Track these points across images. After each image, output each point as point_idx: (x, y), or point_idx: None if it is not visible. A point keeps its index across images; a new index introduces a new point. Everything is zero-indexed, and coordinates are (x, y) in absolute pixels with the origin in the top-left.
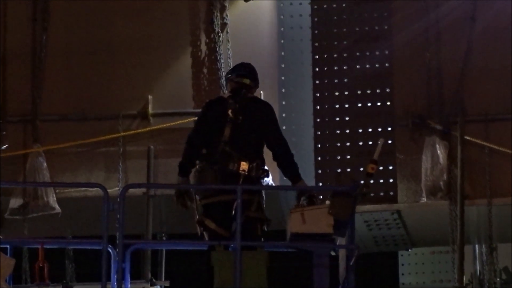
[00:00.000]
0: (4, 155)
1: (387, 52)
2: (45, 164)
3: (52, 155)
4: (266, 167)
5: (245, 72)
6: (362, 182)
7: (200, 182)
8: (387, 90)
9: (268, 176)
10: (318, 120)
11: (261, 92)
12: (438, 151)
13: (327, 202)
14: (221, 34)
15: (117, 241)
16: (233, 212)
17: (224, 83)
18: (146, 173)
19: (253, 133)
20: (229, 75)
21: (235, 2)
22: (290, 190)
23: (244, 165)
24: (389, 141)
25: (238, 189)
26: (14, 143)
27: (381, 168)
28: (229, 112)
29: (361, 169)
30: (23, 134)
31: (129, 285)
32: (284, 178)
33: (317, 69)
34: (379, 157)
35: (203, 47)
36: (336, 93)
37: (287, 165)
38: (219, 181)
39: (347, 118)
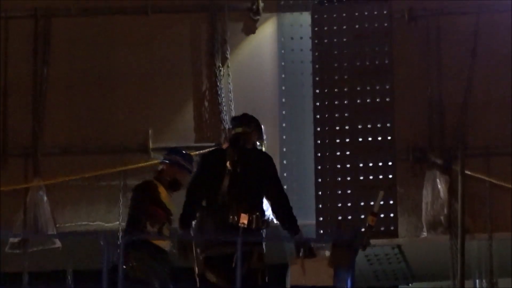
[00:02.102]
0: (4, 189)
1: (388, 86)
2: (45, 198)
3: (53, 188)
4: (266, 217)
5: (236, 122)
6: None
7: (200, 235)
8: (388, 124)
9: (268, 227)
10: (319, 154)
11: (262, 126)
12: (439, 185)
13: (327, 253)
14: (222, 68)
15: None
16: (234, 264)
17: (224, 117)
18: None
19: (252, 185)
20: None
21: (236, 35)
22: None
23: (244, 218)
24: (390, 176)
25: (238, 241)
26: (15, 177)
27: (381, 202)
28: (228, 163)
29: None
30: (24, 168)
31: None
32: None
33: (318, 103)
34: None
35: (205, 80)
36: (337, 127)
37: (286, 219)
38: (219, 234)
39: (348, 152)
